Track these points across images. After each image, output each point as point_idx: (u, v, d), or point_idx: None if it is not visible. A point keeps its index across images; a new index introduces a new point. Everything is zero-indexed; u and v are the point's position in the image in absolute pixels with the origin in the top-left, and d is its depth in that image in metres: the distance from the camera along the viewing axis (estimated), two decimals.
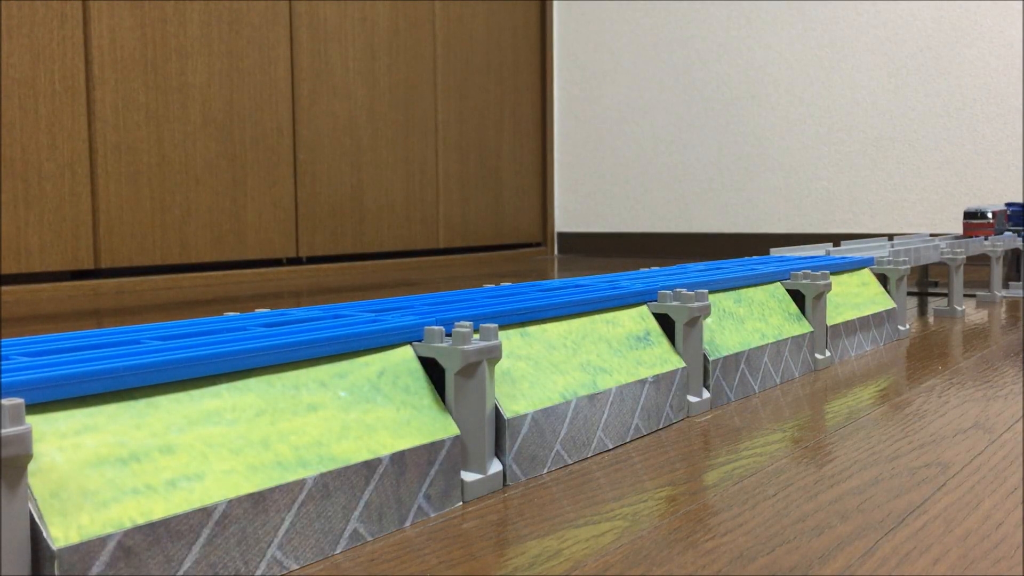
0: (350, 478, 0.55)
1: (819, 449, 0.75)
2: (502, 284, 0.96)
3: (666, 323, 0.90)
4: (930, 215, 2.85)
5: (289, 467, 0.53)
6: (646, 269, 1.15)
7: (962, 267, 1.59)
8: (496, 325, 0.66)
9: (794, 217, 3.07)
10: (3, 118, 1.96)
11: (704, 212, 3.24)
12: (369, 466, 0.57)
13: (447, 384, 0.64)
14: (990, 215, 1.89)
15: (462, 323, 0.65)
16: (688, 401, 0.88)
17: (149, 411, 0.50)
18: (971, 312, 1.65)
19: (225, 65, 2.39)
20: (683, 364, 0.87)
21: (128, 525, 0.45)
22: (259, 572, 0.50)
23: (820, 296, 1.12)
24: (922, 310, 1.71)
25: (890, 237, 2.68)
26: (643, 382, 0.81)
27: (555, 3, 3.53)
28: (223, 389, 0.54)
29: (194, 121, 2.33)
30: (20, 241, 2.01)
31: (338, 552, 0.54)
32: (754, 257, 1.49)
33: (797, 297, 1.13)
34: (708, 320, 0.95)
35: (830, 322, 1.16)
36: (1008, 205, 2.04)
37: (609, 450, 0.76)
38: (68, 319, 1.64)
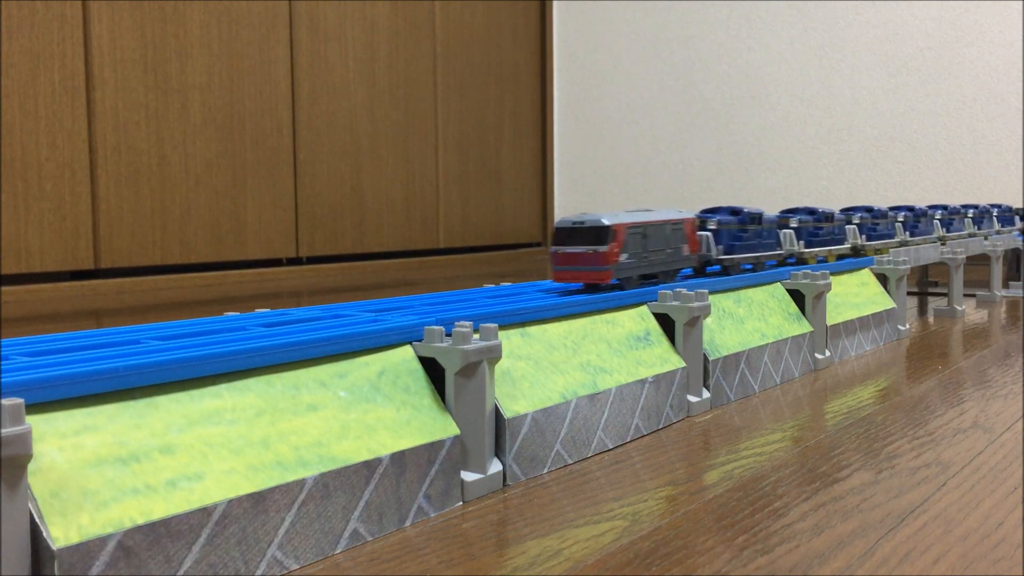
0: (350, 478, 0.55)
1: (819, 449, 0.75)
2: (502, 284, 0.96)
3: (666, 323, 0.90)
4: None
5: (289, 467, 0.53)
6: None
7: (962, 267, 1.59)
8: (496, 325, 0.65)
9: None
10: (3, 118, 1.96)
11: None
12: (369, 466, 0.57)
13: (447, 384, 0.64)
14: (611, 233, 0.85)
15: (462, 323, 0.65)
16: (688, 401, 0.88)
17: (149, 411, 0.50)
18: (971, 312, 1.65)
19: (225, 65, 2.39)
20: (683, 364, 0.87)
21: (128, 525, 0.45)
22: (259, 572, 0.50)
23: (820, 296, 1.12)
24: (922, 310, 1.71)
25: None
26: (643, 382, 0.81)
27: (555, 3, 3.53)
28: (223, 389, 0.54)
29: (194, 121, 2.33)
30: (20, 241, 2.01)
31: (338, 552, 0.54)
32: None
33: (797, 297, 1.13)
34: (708, 320, 0.95)
35: (830, 322, 1.16)
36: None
37: (609, 450, 0.76)
38: (68, 319, 1.64)
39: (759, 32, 3.10)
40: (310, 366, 0.59)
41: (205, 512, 0.48)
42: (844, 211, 1.41)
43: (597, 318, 0.83)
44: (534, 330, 0.76)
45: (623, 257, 0.86)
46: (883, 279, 1.37)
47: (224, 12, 2.38)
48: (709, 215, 1.06)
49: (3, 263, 1.98)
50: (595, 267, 0.84)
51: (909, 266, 1.39)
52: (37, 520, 0.42)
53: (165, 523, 0.46)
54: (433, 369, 0.66)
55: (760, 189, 3.14)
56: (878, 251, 1.43)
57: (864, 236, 1.40)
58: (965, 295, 1.89)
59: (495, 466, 0.65)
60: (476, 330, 0.70)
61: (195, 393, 0.52)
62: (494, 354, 0.64)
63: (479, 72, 3.23)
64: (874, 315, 1.27)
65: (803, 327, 1.09)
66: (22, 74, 2.00)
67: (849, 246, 1.36)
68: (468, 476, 0.64)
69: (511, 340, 0.73)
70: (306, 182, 2.62)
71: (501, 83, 3.34)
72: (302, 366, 0.59)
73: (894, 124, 2.88)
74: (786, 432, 0.81)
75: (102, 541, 0.43)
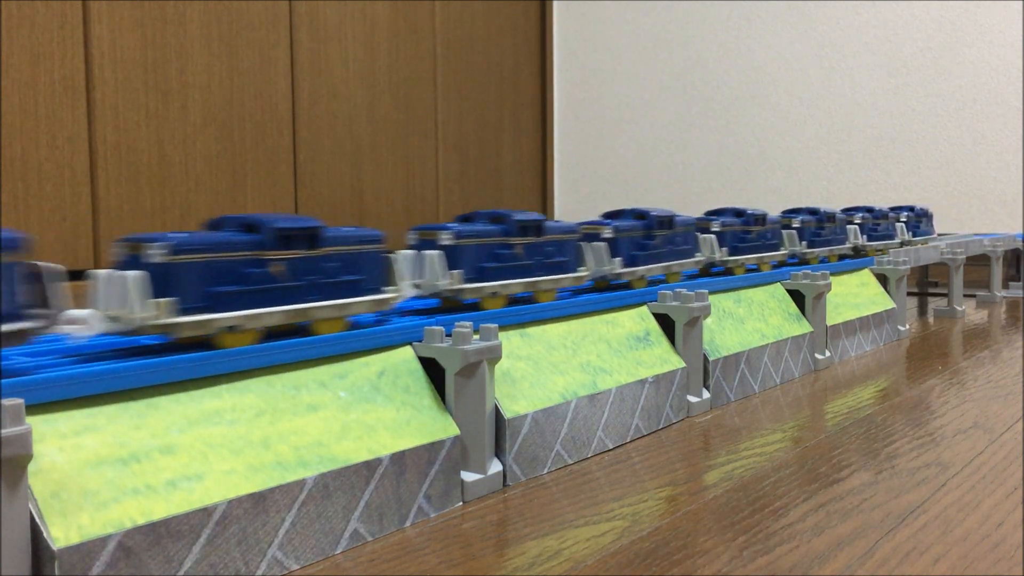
0: (350, 478, 0.55)
1: (819, 449, 0.75)
2: None
3: (666, 323, 0.90)
4: None
5: (289, 467, 0.53)
6: None
7: (962, 267, 1.59)
8: (496, 325, 0.65)
9: None
10: (3, 118, 1.96)
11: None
12: (369, 466, 0.57)
13: (447, 384, 0.64)
14: None
15: (462, 323, 0.65)
16: (688, 401, 0.88)
17: (149, 411, 0.50)
18: (971, 312, 1.65)
19: (225, 65, 2.39)
20: (683, 364, 0.87)
21: (128, 525, 0.45)
22: (259, 572, 0.50)
23: (820, 296, 1.12)
24: (922, 310, 1.71)
25: None
26: (643, 382, 0.81)
27: (555, 3, 3.53)
28: (223, 389, 0.54)
29: (194, 121, 2.33)
30: None
31: (338, 552, 0.54)
32: None
33: (797, 297, 1.13)
34: (708, 320, 0.95)
35: (830, 322, 1.16)
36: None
37: (609, 450, 0.76)
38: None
39: (759, 32, 3.10)
40: (310, 366, 0.59)
41: (205, 512, 0.48)
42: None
43: (597, 318, 0.83)
44: (534, 330, 0.76)
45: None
46: (883, 279, 1.37)
47: (224, 12, 2.38)
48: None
49: None
50: None
51: (909, 266, 1.39)
52: (37, 520, 0.42)
53: (165, 523, 0.46)
54: (433, 369, 0.66)
55: (760, 189, 3.14)
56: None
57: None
58: (965, 295, 1.89)
59: (495, 466, 0.65)
60: (476, 330, 0.70)
61: (195, 393, 0.52)
62: (494, 354, 0.64)
63: (479, 72, 3.23)
64: (874, 315, 1.27)
65: (803, 327, 1.09)
66: (22, 74, 2.00)
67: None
68: (468, 476, 0.64)
69: (511, 340, 0.73)
70: (306, 182, 2.62)
71: (501, 83, 3.34)
72: (302, 366, 0.59)
73: (894, 124, 2.88)
74: (786, 432, 0.81)
75: (102, 541, 0.43)
